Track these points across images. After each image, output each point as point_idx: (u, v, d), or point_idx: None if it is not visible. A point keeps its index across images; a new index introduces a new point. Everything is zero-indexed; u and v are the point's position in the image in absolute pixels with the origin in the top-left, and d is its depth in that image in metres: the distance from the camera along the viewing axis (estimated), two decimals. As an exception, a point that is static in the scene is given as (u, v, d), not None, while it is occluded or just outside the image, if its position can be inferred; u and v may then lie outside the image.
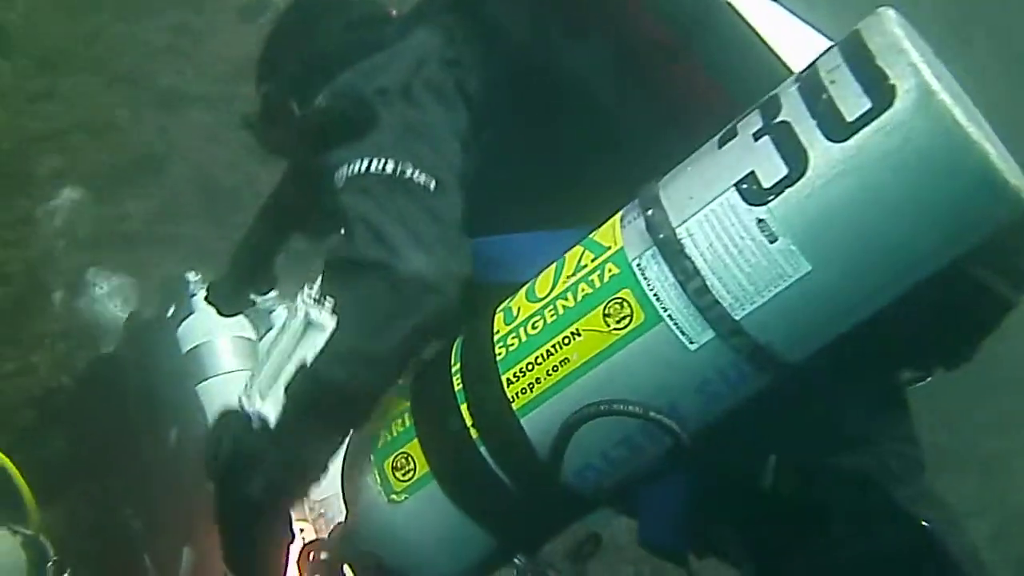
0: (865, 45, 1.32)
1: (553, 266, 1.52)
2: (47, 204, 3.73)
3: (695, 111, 1.68)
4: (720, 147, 1.42)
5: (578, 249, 1.50)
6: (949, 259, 1.42)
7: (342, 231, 1.58)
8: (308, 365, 1.47)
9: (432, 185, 1.61)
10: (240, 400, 1.53)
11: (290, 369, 1.49)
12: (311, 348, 1.49)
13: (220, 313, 2.21)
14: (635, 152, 1.75)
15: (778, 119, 1.37)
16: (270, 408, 1.48)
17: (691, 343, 1.43)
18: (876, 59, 1.28)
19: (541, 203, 1.75)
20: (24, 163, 3.81)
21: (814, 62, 1.38)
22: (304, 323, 1.50)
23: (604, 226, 1.50)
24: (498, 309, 1.55)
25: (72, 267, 3.54)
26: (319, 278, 1.54)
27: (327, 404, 1.50)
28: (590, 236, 1.50)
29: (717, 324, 1.41)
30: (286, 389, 1.48)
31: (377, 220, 1.55)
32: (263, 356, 1.56)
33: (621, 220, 1.47)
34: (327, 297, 1.50)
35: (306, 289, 1.53)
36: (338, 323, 1.48)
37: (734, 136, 1.42)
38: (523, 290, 1.54)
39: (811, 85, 1.36)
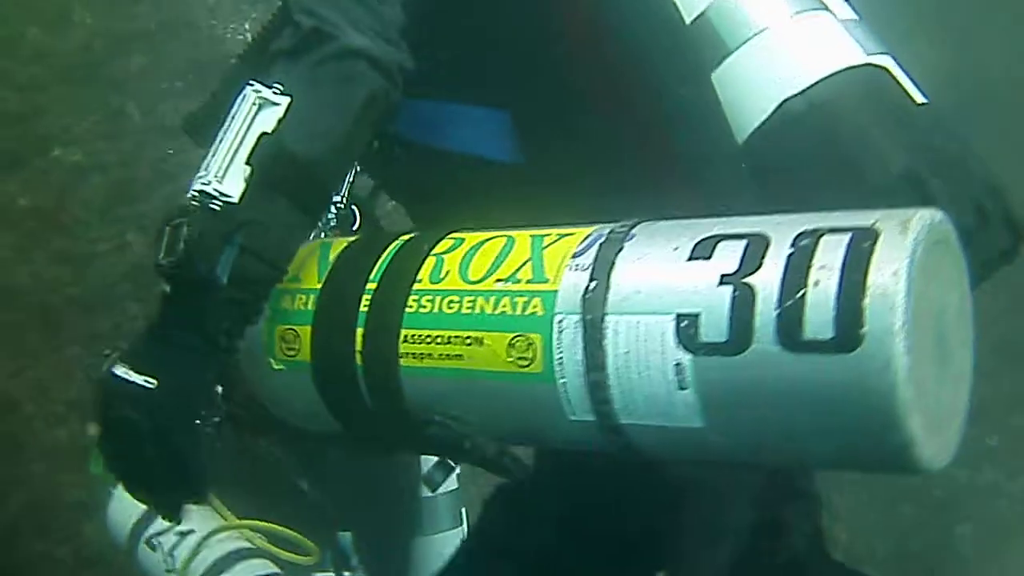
0: (868, 264, 1.17)
1: (498, 250, 1.45)
2: (137, 99, 3.95)
3: None
4: (690, 259, 1.30)
5: (526, 250, 1.43)
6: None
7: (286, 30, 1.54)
8: (270, 134, 1.44)
9: None
10: (193, 188, 1.43)
11: (250, 142, 1.44)
12: (269, 123, 1.45)
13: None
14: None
15: (749, 279, 1.25)
16: (231, 185, 1.42)
17: (572, 414, 1.40)
18: (865, 296, 1.16)
19: (473, 79, 1.75)
20: (115, 62, 3.97)
21: (822, 233, 1.22)
22: (256, 103, 1.45)
23: (561, 242, 1.41)
24: (432, 251, 1.51)
25: (160, 156, 3.77)
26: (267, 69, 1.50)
27: (293, 176, 1.46)
28: (544, 243, 1.43)
29: (601, 415, 1.38)
30: (248, 160, 1.43)
31: (322, 10, 1.55)
32: (214, 144, 1.47)
33: (574, 256, 1.38)
34: (276, 82, 1.46)
35: (253, 82, 1.47)
36: (291, 99, 1.45)
37: (708, 257, 1.29)
38: (460, 254, 1.48)
39: (798, 265, 1.22)
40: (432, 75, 1.65)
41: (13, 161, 3.79)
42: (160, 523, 2.69)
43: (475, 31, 1.74)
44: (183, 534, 2.69)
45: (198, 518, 2.72)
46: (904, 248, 1.17)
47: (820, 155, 1.64)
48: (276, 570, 2.64)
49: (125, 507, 2.77)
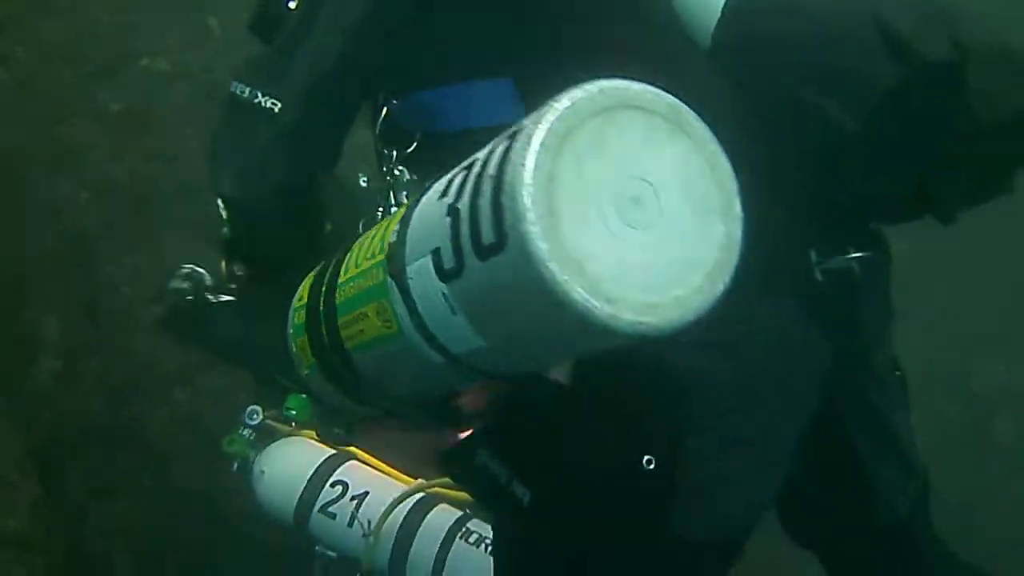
0: (505, 162, 1.24)
1: (376, 230, 1.56)
2: (218, 15, 4.23)
3: None
4: (440, 197, 1.38)
5: (384, 224, 1.54)
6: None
7: None
8: None
9: (277, 108, 1.83)
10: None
11: None
12: None
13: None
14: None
15: (457, 203, 1.33)
16: None
17: (432, 359, 1.51)
18: (502, 193, 1.23)
19: (474, 54, 1.85)
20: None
21: (499, 143, 1.29)
22: None
23: (402, 208, 1.51)
24: (354, 244, 1.62)
25: (239, 63, 4.02)
26: None
27: None
28: (396, 213, 1.53)
29: (442, 352, 1.49)
30: None
31: (212, 143, 1.91)
32: None
33: (399, 221, 1.48)
34: None
35: None
36: None
37: (446, 193, 1.38)
38: (360, 241, 1.61)
39: (478, 178, 1.30)
40: (435, 63, 1.81)
41: (106, 72, 4.12)
42: (330, 492, 2.86)
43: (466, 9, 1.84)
44: (357, 497, 2.84)
45: (360, 477, 2.89)
46: (534, 138, 1.23)
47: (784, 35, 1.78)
48: (461, 512, 2.79)
49: (284, 482, 2.91)
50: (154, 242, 3.78)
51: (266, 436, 3.06)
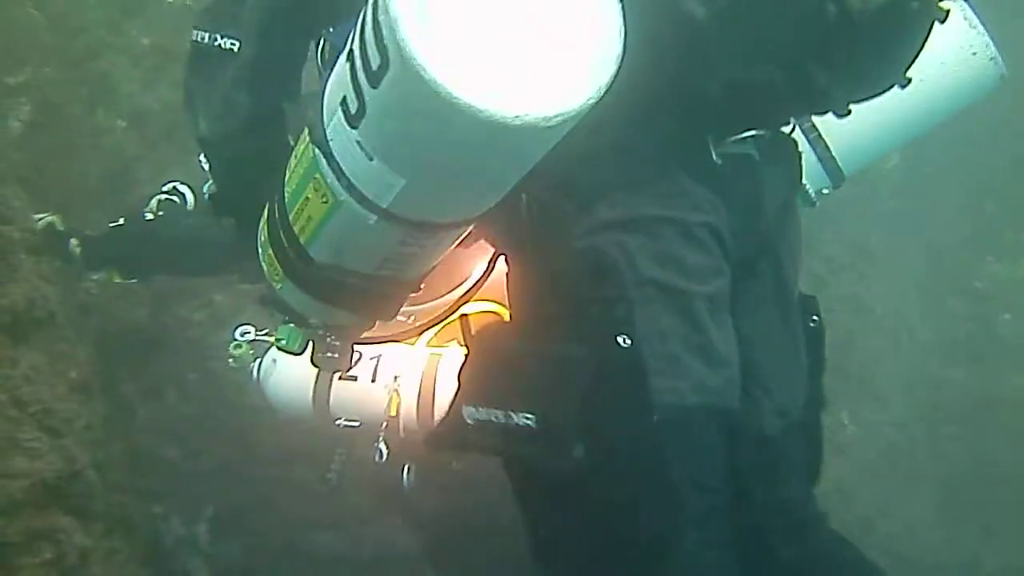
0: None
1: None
2: None
3: None
4: (345, 59, 1.44)
5: None
6: (517, 173, 1.56)
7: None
8: None
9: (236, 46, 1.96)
10: None
11: None
12: None
13: None
14: None
15: (349, 47, 1.39)
16: None
17: (368, 220, 1.56)
18: (378, 11, 1.29)
19: None
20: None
21: None
22: None
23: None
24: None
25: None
26: None
27: None
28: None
29: (375, 210, 1.54)
30: None
31: (185, 93, 2.06)
32: None
33: None
34: None
35: None
36: None
37: (346, 49, 1.44)
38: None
39: (363, 17, 1.36)
40: None
41: (134, 9, 4.40)
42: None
43: None
44: (375, 358, 2.86)
45: (370, 347, 2.79)
46: None
47: None
48: None
49: (298, 362, 2.74)
50: (187, 164, 4.06)
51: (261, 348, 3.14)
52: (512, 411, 1.87)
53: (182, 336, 3.91)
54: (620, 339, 1.84)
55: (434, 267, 1.93)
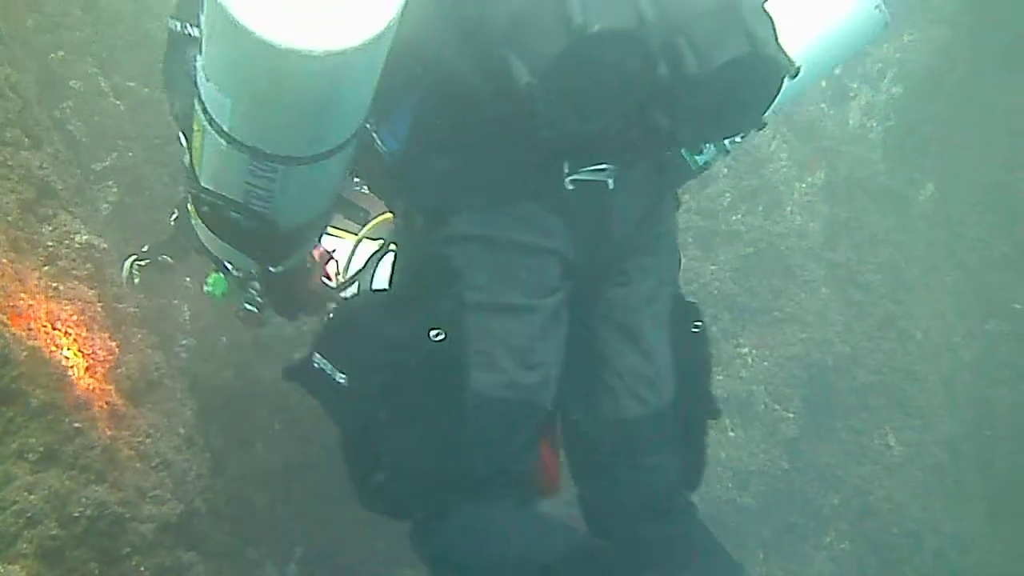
0: None
1: None
2: None
3: None
4: None
5: None
6: (315, 110, 1.94)
7: None
8: None
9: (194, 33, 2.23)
10: None
11: None
12: None
13: None
14: None
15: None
16: None
17: (221, 145, 1.96)
18: None
19: None
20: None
21: None
22: None
23: None
24: None
25: None
26: None
27: None
28: None
29: (221, 134, 1.93)
30: None
31: (163, 75, 2.49)
32: None
33: None
34: None
35: None
36: None
37: None
38: None
39: None
40: None
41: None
42: None
43: None
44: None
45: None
46: None
47: None
48: None
49: None
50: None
51: None
52: (337, 368, 2.31)
53: (264, 393, 4.17)
54: (432, 333, 2.21)
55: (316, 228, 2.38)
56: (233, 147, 1.93)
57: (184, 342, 4.07)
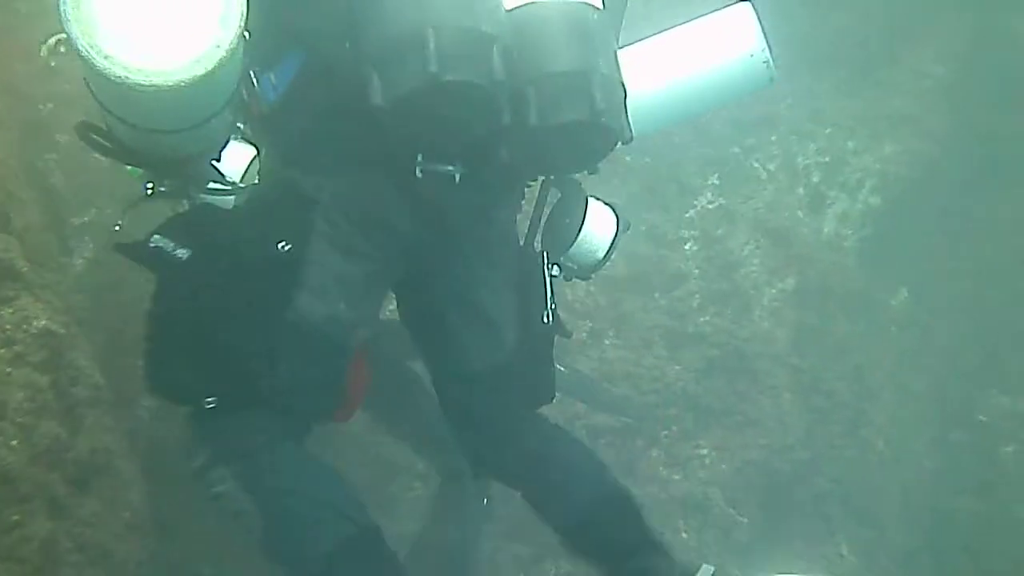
0: None
1: None
2: None
3: None
4: None
5: None
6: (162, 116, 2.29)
7: None
8: None
9: None
10: None
11: None
12: None
13: None
14: None
15: None
16: None
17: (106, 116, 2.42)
18: None
19: None
20: None
21: None
22: None
23: None
24: None
25: None
26: None
27: None
28: None
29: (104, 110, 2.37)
30: None
31: None
32: None
33: None
34: None
35: None
36: None
37: None
38: None
39: None
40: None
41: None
42: None
43: None
44: None
45: None
46: None
47: None
48: None
49: None
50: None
51: None
52: (179, 245, 2.55)
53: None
54: (280, 244, 2.54)
55: None
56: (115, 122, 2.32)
57: (147, 403, 4.06)
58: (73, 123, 4.21)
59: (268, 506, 2.53)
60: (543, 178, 3.08)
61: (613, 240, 3.24)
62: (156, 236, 2.55)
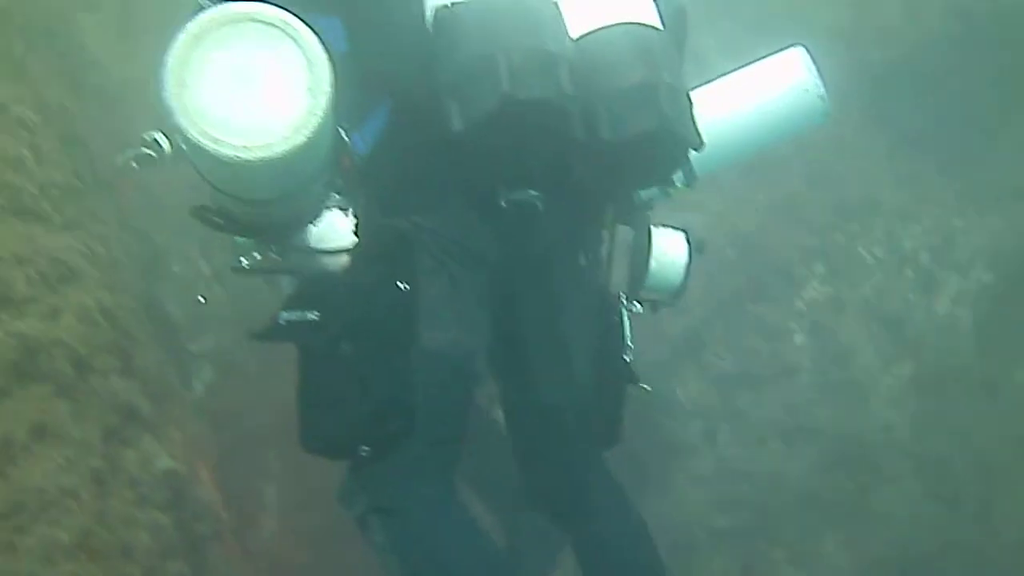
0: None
1: None
2: None
3: None
4: None
5: None
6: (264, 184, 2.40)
7: None
8: None
9: None
10: None
11: None
12: None
13: None
14: None
15: None
16: None
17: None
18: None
19: None
20: None
21: None
22: None
23: None
24: None
25: None
26: None
27: None
28: None
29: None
30: None
31: None
32: None
33: None
34: None
35: None
36: None
37: None
38: None
39: None
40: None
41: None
42: None
43: None
44: None
45: None
46: (177, 37, 2.20)
47: None
48: None
49: None
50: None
51: None
52: (308, 310, 2.61)
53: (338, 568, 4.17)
54: (400, 284, 2.64)
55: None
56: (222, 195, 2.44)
57: (268, 525, 4.13)
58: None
59: (414, 570, 2.65)
60: (612, 215, 3.21)
61: (687, 264, 3.29)
62: (283, 313, 2.65)
